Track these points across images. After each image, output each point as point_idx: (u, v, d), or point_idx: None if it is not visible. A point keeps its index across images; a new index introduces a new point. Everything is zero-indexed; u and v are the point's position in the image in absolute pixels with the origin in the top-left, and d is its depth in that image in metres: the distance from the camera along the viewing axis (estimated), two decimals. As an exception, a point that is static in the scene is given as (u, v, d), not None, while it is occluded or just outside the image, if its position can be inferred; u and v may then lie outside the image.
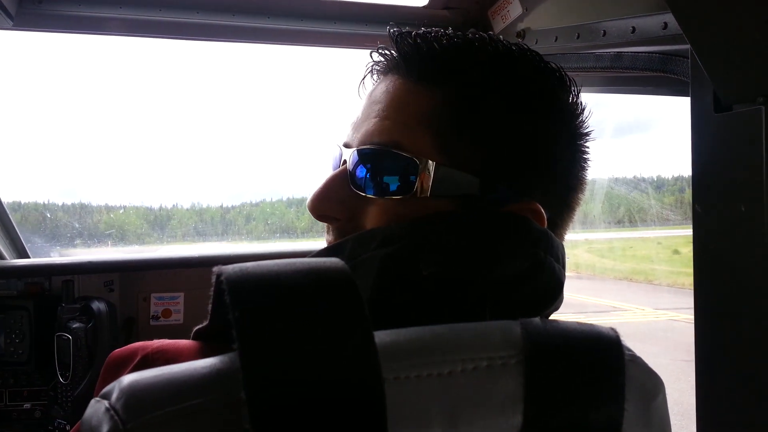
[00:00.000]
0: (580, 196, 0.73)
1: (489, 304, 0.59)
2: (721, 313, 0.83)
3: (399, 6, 1.45)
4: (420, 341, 0.51)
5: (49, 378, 1.70)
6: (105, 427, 0.43)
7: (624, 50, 1.05)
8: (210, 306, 0.51)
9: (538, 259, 0.62)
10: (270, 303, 0.45)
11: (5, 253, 1.90)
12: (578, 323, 0.58)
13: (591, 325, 0.58)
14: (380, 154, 0.66)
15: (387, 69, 0.73)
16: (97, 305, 1.68)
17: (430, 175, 0.64)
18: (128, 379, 0.45)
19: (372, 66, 0.75)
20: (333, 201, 0.68)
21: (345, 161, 0.69)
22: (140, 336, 1.81)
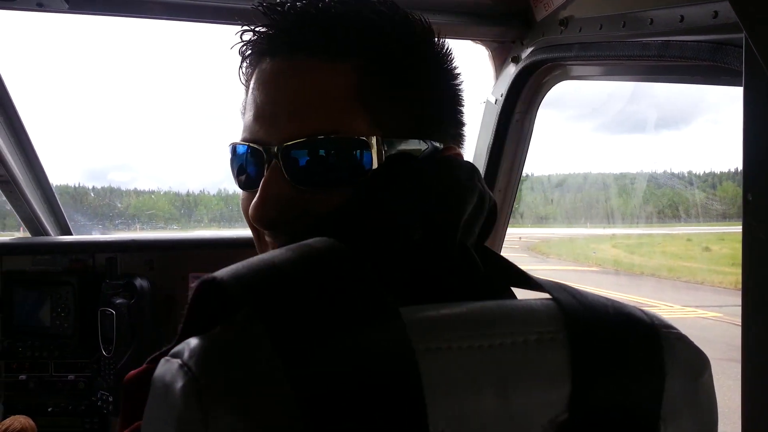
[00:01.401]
0: (464, 129, 0.76)
1: (465, 247, 0.62)
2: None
3: (441, -7, 1.46)
4: (469, 314, 0.53)
5: (92, 351, 1.76)
6: (179, 383, 0.45)
7: (671, 39, 1.04)
8: (183, 321, 0.51)
9: (480, 190, 0.65)
10: (293, 303, 0.46)
11: (50, 230, 1.97)
12: (603, 298, 0.60)
13: (616, 301, 0.60)
14: (321, 144, 0.63)
15: (274, 49, 0.67)
16: (140, 282, 1.73)
17: (376, 151, 0.64)
18: (196, 339, 0.48)
19: (249, 47, 0.69)
20: (277, 205, 0.64)
21: (271, 160, 0.64)
22: (179, 314, 1.85)
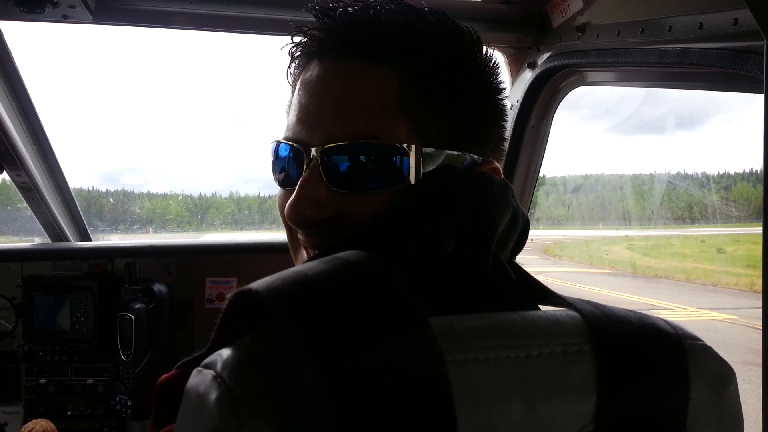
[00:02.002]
0: (507, 144, 0.76)
1: (501, 262, 0.63)
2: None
3: (456, 0, 1.46)
4: (496, 326, 0.54)
5: (111, 355, 1.78)
6: (214, 394, 0.45)
7: (691, 46, 1.04)
8: (216, 330, 0.52)
9: (514, 207, 0.66)
10: (328, 314, 0.46)
11: (70, 236, 1.99)
12: (627, 310, 0.60)
13: (639, 312, 0.60)
14: (361, 148, 0.64)
15: (322, 51, 0.68)
16: (158, 287, 1.75)
17: (414, 159, 0.64)
18: (229, 350, 0.48)
19: (299, 48, 0.70)
20: (313, 205, 0.65)
21: (311, 160, 0.65)
22: (196, 318, 1.88)
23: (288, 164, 0.69)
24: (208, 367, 0.48)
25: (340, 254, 0.53)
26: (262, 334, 0.52)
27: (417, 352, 0.46)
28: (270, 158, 0.73)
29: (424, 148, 0.65)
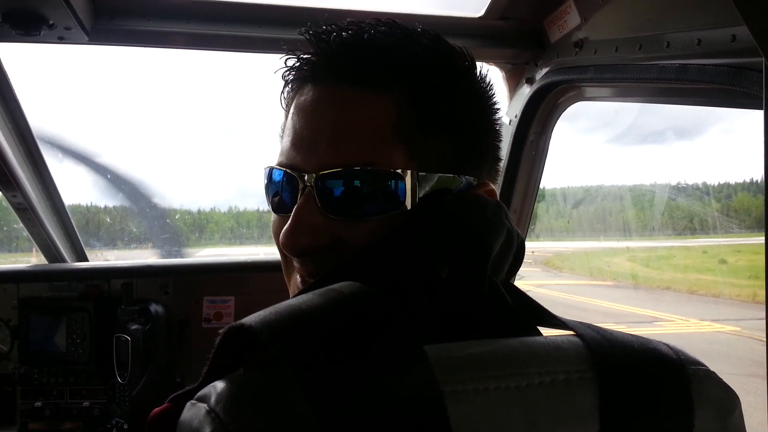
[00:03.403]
0: (503, 163, 0.75)
1: (497, 286, 0.62)
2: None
3: (453, 17, 1.46)
4: (495, 354, 0.53)
5: (107, 377, 1.76)
6: (207, 429, 0.44)
7: (689, 62, 1.03)
8: (207, 366, 0.51)
9: (509, 228, 0.65)
10: (322, 348, 0.45)
11: (66, 257, 1.98)
12: (628, 334, 0.59)
13: (641, 337, 0.60)
14: (356, 175, 0.63)
15: (316, 76, 0.67)
16: (155, 307, 1.73)
17: (410, 184, 0.64)
18: (223, 383, 0.47)
19: (292, 73, 0.69)
20: (308, 233, 0.63)
21: (306, 187, 0.64)
22: (194, 338, 1.86)
23: (282, 190, 0.68)
24: (201, 400, 0.47)
25: (335, 286, 0.52)
26: (256, 367, 0.51)
27: (414, 385, 0.45)
28: (264, 183, 0.72)
29: (419, 173, 0.64)
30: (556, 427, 0.50)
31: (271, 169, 0.69)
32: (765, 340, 0.85)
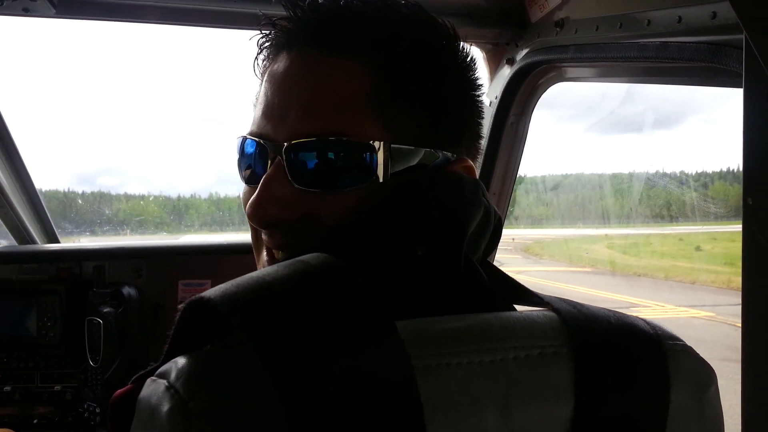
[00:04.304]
0: (483, 141, 0.74)
1: (473, 264, 0.60)
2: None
3: (433, -6, 1.44)
4: (469, 328, 0.52)
5: (79, 361, 1.72)
6: (166, 405, 0.43)
7: (670, 40, 1.02)
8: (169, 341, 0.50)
9: (486, 206, 0.64)
10: (285, 321, 0.44)
11: (37, 238, 1.93)
12: (606, 309, 0.59)
13: (618, 312, 0.59)
14: (327, 145, 0.61)
15: (291, 43, 0.65)
16: (128, 290, 1.70)
17: (383, 156, 0.62)
18: (184, 358, 0.46)
19: (268, 40, 0.67)
20: (276, 204, 0.61)
21: (276, 157, 0.62)
22: (168, 322, 1.82)
23: (252, 160, 0.66)
24: (161, 376, 0.46)
25: (301, 257, 0.50)
26: (220, 344, 0.49)
27: (383, 359, 0.44)
28: (235, 154, 0.70)
29: (394, 146, 0.62)
30: (530, 401, 0.50)
31: (244, 139, 0.67)
32: (741, 326, 0.86)
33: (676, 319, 9.02)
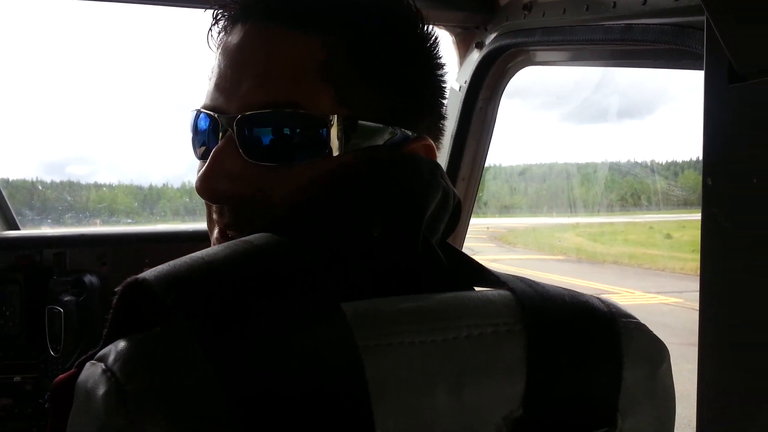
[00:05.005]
0: (445, 122, 0.73)
1: (431, 245, 0.60)
2: (729, 293, 0.81)
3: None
4: (422, 308, 0.51)
5: (39, 351, 1.68)
6: (102, 389, 0.42)
7: (634, 22, 1.03)
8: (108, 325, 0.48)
9: (444, 187, 0.63)
10: (222, 300, 0.43)
11: (-5, 225, 1.87)
12: (561, 288, 0.59)
13: (573, 291, 0.59)
14: (280, 117, 0.59)
15: (246, 14, 0.64)
16: (90, 278, 1.66)
17: (337, 131, 0.60)
18: (123, 341, 0.45)
19: (225, 11, 0.66)
20: (227, 178, 0.59)
21: (227, 130, 0.60)
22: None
23: (203, 134, 0.64)
24: (100, 360, 0.44)
25: (245, 237, 0.49)
26: (160, 326, 0.47)
27: (325, 338, 0.43)
28: (189, 131, 0.67)
29: (349, 120, 0.61)
30: (482, 378, 0.50)
31: (198, 113, 0.65)
32: (699, 310, 0.87)
33: (645, 306, 9.22)
